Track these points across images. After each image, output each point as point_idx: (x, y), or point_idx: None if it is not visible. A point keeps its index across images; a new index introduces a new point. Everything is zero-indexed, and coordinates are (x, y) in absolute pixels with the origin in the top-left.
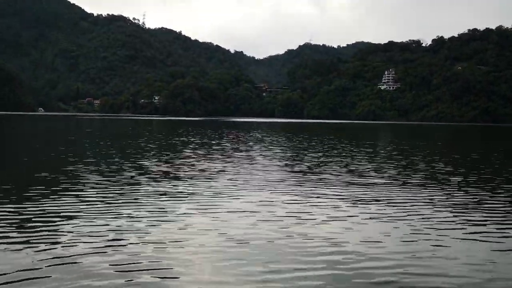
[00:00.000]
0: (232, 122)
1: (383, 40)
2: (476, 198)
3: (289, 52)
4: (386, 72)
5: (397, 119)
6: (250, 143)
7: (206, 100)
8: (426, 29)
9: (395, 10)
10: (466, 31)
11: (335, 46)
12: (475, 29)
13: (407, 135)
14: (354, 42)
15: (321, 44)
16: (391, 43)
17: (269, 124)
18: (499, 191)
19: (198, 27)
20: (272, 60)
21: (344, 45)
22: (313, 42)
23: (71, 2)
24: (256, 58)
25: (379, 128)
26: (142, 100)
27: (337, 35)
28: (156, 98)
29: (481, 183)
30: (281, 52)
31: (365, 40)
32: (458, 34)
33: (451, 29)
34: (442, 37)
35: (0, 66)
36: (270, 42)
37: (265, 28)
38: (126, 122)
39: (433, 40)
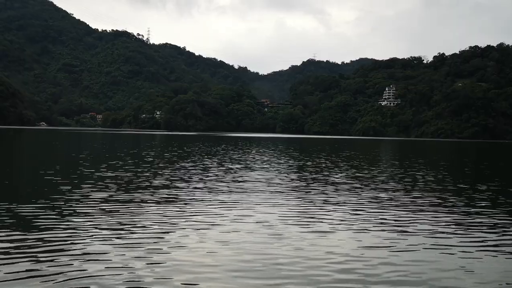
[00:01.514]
0: (227, 137)
1: (386, 57)
2: None
3: (293, 68)
4: (386, 89)
5: (397, 135)
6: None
7: (207, 115)
8: (428, 46)
9: (398, 27)
10: (467, 48)
11: (339, 63)
12: (476, 46)
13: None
14: (357, 58)
15: (325, 60)
16: (392, 59)
17: (268, 140)
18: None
19: (202, 43)
20: (276, 75)
21: (348, 61)
22: (317, 58)
23: (76, 18)
24: (260, 73)
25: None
26: (144, 115)
27: (341, 52)
28: (158, 113)
29: None
30: (285, 68)
31: (369, 57)
32: (459, 51)
33: (452, 46)
34: (443, 54)
35: (2, 80)
36: (274, 58)
37: (269, 44)
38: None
39: (434, 57)
